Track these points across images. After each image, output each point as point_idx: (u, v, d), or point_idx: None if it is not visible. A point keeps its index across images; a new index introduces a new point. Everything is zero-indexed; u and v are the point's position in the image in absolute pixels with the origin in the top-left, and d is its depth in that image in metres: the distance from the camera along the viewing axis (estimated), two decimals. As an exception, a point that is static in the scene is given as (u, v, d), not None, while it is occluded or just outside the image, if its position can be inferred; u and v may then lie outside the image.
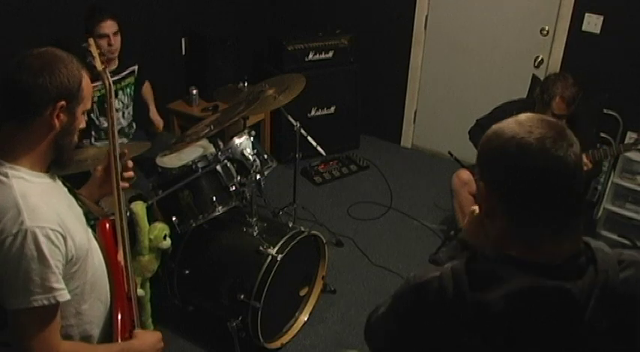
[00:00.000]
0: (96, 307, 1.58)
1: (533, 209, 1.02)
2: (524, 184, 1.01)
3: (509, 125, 1.05)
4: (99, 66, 1.74)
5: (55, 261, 1.36)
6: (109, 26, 3.03)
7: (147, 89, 3.58)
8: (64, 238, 1.39)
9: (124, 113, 3.30)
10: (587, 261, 1.03)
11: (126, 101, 3.30)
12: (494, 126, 1.08)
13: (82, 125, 1.51)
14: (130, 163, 1.79)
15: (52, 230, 1.36)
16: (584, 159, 2.72)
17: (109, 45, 3.05)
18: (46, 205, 1.38)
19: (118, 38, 3.09)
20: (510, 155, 1.02)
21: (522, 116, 1.07)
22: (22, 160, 1.41)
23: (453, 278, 1.03)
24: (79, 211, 1.57)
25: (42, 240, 1.33)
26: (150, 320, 2.59)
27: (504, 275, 1.01)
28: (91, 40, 1.78)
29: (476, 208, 1.22)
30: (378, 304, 1.25)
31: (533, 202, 1.02)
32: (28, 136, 1.41)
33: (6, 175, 1.38)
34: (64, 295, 1.38)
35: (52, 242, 1.35)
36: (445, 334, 1.04)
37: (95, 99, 2.98)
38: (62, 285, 1.38)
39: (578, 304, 0.99)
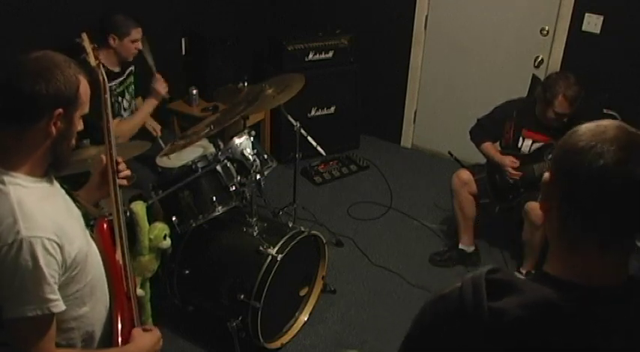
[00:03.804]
0: (97, 309, 1.57)
1: (589, 209, 0.99)
2: (585, 182, 0.98)
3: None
4: (92, 61, 1.71)
5: (51, 271, 1.34)
6: (140, 31, 3.13)
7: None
8: (61, 247, 1.37)
9: (128, 111, 3.33)
10: (628, 292, 1.01)
11: (130, 100, 3.33)
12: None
13: (80, 128, 1.48)
14: (123, 165, 1.77)
15: (49, 239, 1.33)
16: None
17: (137, 49, 3.14)
18: (43, 213, 1.36)
19: None
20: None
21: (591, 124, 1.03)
22: (19, 166, 1.38)
23: (472, 287, 1.04)
24: (78, 213, 1.55)
25: (38, 250, 1.31)
26: (150, 320, 2.58)
27: (522, 286, 1.01)
28: (84, 35, 1.75)
29: None
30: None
31: (591, 202, 0.98)
32: (24, 143, 1.38)
33: (2, 182, 1.35)
34: (58, 306, 1.37)
35: (48, 252, 1.33)
36: (463, 344, 1.05)
37: (113, 99, 3.01)
38: (57, 296, 1.37)
39: (598, 329, 0.98)
